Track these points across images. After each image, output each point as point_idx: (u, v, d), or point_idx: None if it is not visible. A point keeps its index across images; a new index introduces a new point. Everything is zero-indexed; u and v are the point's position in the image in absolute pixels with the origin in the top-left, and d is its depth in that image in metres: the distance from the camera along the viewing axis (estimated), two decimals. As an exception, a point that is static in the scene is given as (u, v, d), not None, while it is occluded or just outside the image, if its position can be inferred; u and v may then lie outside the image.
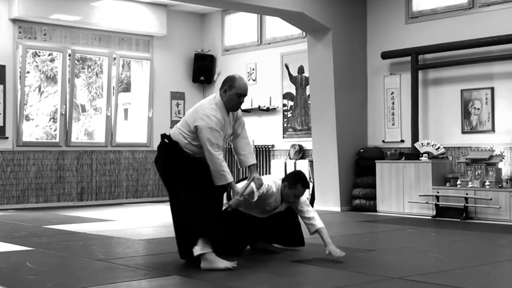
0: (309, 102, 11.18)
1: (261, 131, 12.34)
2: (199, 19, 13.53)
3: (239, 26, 12.83)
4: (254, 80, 12.52)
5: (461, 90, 9.69)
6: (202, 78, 13.18)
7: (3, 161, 11.13)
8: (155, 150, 12.75)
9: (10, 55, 11.19)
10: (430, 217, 9.28)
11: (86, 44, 12.05)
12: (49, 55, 15.85)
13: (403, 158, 9.87)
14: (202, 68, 13.15)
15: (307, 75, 11.41)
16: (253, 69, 12.53)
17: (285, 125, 11.97)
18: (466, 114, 9.63)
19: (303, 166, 11.32)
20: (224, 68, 13.10)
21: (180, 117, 13.08)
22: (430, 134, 10.00)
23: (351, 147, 10.57)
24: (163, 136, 5.45)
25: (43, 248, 6.45)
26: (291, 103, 11.87)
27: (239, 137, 5.40)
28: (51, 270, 5.26)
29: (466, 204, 8.96)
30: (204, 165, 5.17)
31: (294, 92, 11.82)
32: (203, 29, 13.53)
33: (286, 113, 11.95)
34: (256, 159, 12.21)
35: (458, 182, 9.24)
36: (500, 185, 8.88)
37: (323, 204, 10.54)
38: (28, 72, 14.17)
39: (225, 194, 5.39)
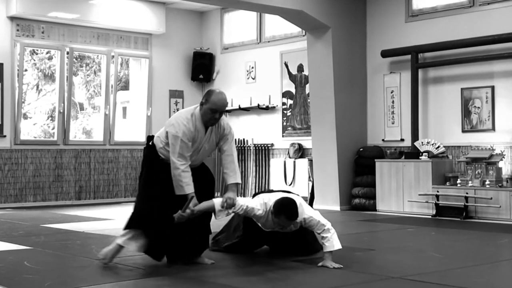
0: (309, 100, 11.15)
1: (260, 129, 12.32)
2: (198, 17, 13.49)
3: (238, 24, 12.80)
4: (253, 79, 12.49)
5: (461, 89, 9.67)
6: (201, 76, 13.15)
7: (1, 160, 11.09)
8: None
9: (7, 53, 11.15)
10: (430, 217, 9.26)
11: (84, 42, 12.01)
12: (47, 53, 15.80)
13: (403, 157, 9.86)
14: (201, 66, 13.12)
15: (306, 74, 11.38)
16: (253, 68, 12.50)
17: (284, 123, 11.94)
18: (466, 113, 9.61)
19: (302, 165, 11.30)
20: (223, 67, 13.07)
21: (179, 116, 13.04)
22: (430, 133, 9.97)
23: (350, 146, 10.55)
24: (148, 138, 5.51)
25: (41, 247, 6.44)
26: (290, 101, 11.84)
27: (224, 154, 5.31)
28: (49, 269, 5.24)
29: (466, 203, 8.94)
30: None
31: (293, 90, 11.79)
32: (202, 27, 13.49)
33: (285, 111, 11.92)
34: (256, 158, 12.32)
35: (458, 181, 9.22)
36: (500, 184, 8.86)
37: (322, 203, 10.51)
38: (26, 70, 14.11)
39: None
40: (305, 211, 5.27)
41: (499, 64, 9.31)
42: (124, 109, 16.62)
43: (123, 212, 10.21)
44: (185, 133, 5.11)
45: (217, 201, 5.12)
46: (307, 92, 11.45)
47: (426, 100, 10.08)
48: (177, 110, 13.07)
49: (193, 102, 13.26)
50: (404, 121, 10.29)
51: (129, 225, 5.24)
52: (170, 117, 12.94)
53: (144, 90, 12.84)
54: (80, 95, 17.46)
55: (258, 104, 12.21)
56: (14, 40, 11.24)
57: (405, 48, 10.13)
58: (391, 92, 10.50)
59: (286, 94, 11.92)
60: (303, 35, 11.28)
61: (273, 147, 12.15)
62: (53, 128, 13.34)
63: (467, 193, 8.96)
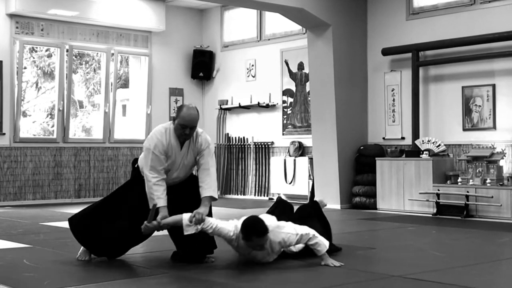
0: (309, 98, 11.12)
1: (260, 128, 12.30)
2: (198, 15, 13.46)
3: (238, 22, 12.78)
4: (253, 77, 12.47)
5: (462, 87, 9.65)
6: (201, 74, 13.12)
7: (0, 158, 11.07)
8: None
9: (7, 50, 11.13)
10: (430, 215, 9.24)
11: (84, 39, 11.98)
12: (46, 50, 15.78)
13: (404, 156, 9.83)
14: (201, 64, 13.09)
15: (307, 72, 11.36)
16: (253, 65, 12.48)
17: (284, 122, 11.91)
18: (467, 111, 9.58)
19: (302, 163, 11.28)
20: (223, 64, 13.05)
21: (179, 114, 13.01)
22: (431, 131, 9.95)
23: (351, 144, 10.52)
24: (134, 161, 5.56)
25: (40, 245, 6.43)
26: (290, 99, 11.81)
27: (200, 168, 5.24)
28: (48, 268, 5.22)
29: (467, 202, 8.92)
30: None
31: (294, 88, 11.77)
32: (202, 24, 13.46)
33: (285, 109, 11.90)
34: (256, 156, 12.29)
35: (459, 179, 9.19)
36: (501, 183, 8.84)
37: (322, 202, 10.47)
38: (25, 68, 14.09)
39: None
40: (282, 230, 5.11)
41: (500, 62, 9.28)
42: (124, 107, 16.61)
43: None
44: (157, 145, 5.13)
45: (186, 216, 5.02)
46: (307, 90, 11.43)
47: (426, 98, 10.05)
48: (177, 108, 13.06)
49: (193, 100, 13.27)
50: (405, 120, 10.27)
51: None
52: (170, 115, 13.04)
53: (144, 88, 12.81)
54: (79, 93, 17.45)
55: (258, 102, 12.19)
56: (14, 37, 11.21)
57: (406, 46, 10.10)
58: (392, 90, 10.47)
59: (286, 92, 11.90)
60: (304, 33, 11.25)
61: (273, 146, 12.13)
62: (52, 126, 13.33)
63: (468, 192, 8.93)
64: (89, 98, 17.55)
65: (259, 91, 12.31)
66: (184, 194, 5.31)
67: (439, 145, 9.57)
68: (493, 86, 9.33)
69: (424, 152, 9.57)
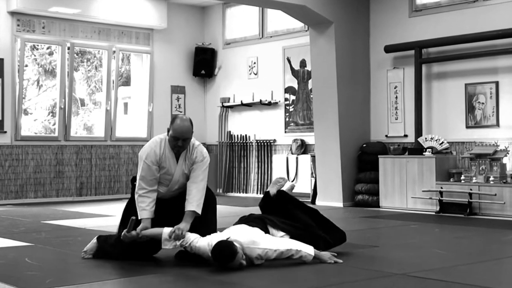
0: (311, 96, 11.09)
1: (262, 125, 12.28)
2: (199, 12, 13.43)
3: (240, 19, 12.75)
4: (255, 74, 12.44)
5: (465, 84, 9.62)
6: (203, 71, 13.10)
7: (1, 156, 11.05)
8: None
9: (8, 48, 11.10)
10: (433, 213, 9.22)
11: (85, 37, 11.96)
12: (47, 48, 15.76)
13: (407, 153, 9.81)
14: (203, 62, 13.07)
15: (309, 69, 11.32)
16: (255, 63, 12.45)
17: (287, 119, 11.88)
18: (470, 108, 9.56)
19: (305, 161, 11.25)
20: (225, 62, 13.03)
21: (181, 111, 13.03)
22: (434, 129, 9.92)
23: (353, 142, 10.49)
24: (133, 179, 5.50)
25: (42, 243, 6.41)
26: (293, 97, 11.78)
27: (189, 181, 5.20)
28: (50, 266, 5.21)
29: (470, 200, 8.89)
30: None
31: (296, 86, 11.74)
32: (203, 22, 13.43)
33: (288, 107, 11.87)
34: (258, 154, 12.27)
35: (462, 177, 9.17)
36: (504, 181, 8.80)
37: (325, 200, 10.47)
38: (26, 66, 14.06)
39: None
40: (259, 246, 4.97)
41: (504, 60, 9.25)
42: (126, 104, 16.58)
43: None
44: (149, 155, 5.11)
45: (166, 230, 4.99)
46: (309, 87, 11.40)
47: (429, 95, 10.02)
48: (179, 106, 13.08)
49: (194, 97, 13.26)
50: (408, 117, 10.24)
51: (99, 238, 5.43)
52: (171, 113, 13.04)
53: (145, 85, 12.79)
54: (81, 90, 17.42)
55: (260, 100, 12.16)
56: (15, 35, 11.19)
57: (408, 43, 10.07)
58: (395, 88, 10.44)
59: (288, 90, 11.87)
60: (306, 30, 11.22)
61: (275, 143, 12.10)
62: (54, 124, 13.31)
63: (471, 189, 8.90)
64: (90, 96, 17.52)
65: (261, 88, 12.28)
66: (179, 207, 5.21)
67: (442, 142, 9.55)
68: (496, 83, 9.29)
69: (427, 149, 9.54)
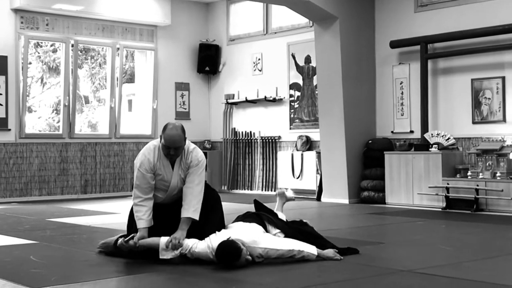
0: (316, 92, 11.05)
1: (267, 122, 12.25)
2: (204, 8, 13.39)
3: (244, 15, 12.71)
4: (260, 71, 12.40)
5: (472, 80, 9.58)
6: (207, 68, 13.06)
7: (6, 154, 11.03)
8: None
9: (12, 45, 11.08)
10: (440, 209, 9.18)
11: (89, 34, 11.93)
12: (51, 45, 15.78)
13: (413, 149, 9.78)
14: (207, 58, 13.03)
15: (314, 65, 11.28)
16: (259, 59, 12.41)
17: (292, 116, 11.84)
18: (476, 104, 9.51)
19: (310, 157, 11.21)
20: (230, 58, 12.99)
21: (185, 108, 13.01)
22: (440, 125, 9.88)
23: (359, 138, 10.45)
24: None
25: (46, 241, 6.41)
26: (298, 93, 11.74)
27: (184, 186, 5.15)
28: (55, 264, 5.21)
29: (477, 196, 8.85)
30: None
31: (301, 82, 11.70)
32: (208, 18, 13.40)
33: (293, 103, 11.83)
34: (263, 151, 12.23)
35: (469, 173, 9.14)
36: (511, 176, 8.76)
37: (330, 196, 10.44)
38: (30, 63, 14.07)
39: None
40: (260, 246, 4.95)
41: (510, 54, 9.20)
42: (130, 102, 16.57)
43: (129, 206, 10.14)
44: (143, 163, 5.08)
45: (163, 240, 4.96)
46: (314, 83, 11.35)
47: (435, 91, 9.97)
48: (183, 103, 13.05)
49: (199, 94, 13.23)
50: (414, 113, 10.19)
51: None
52: (176, 110, 13.03)
53: (149, 82, 12.76)
54: (85, 88, 17.44)
55: (265, 96, 12.12)
56: (18, 32, 11.16)
57: (414, 39, 10.02)
58: (400, 83, 10.39)
59: (293, 86, 11.83)
60: (311, 26, 11.18)
61: (280, 140, 12.06)
62: (58, 122, 13.31)
63: (477, 185, 8.86)
64: (94, 93, 17.55)
65: (266, 85, 12.24)
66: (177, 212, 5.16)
67: (449, 138, 9.51)
68: (503, 78, 9.24)
69: (433, 145, 9.51)
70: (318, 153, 10.92)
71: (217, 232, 5.08)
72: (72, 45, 11.75)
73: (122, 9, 11.98)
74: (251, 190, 12.49)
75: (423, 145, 9.66)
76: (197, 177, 5.12)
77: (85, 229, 7.38)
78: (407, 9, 10.30)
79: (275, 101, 12.07)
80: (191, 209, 5.04)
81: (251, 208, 6.09)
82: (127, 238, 4.99)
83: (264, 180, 12.24)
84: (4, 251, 5.82)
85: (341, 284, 4.40)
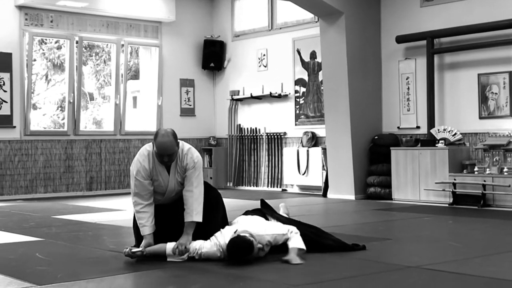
0: (322, 88, 11.01)
1: (272, 118, 12.21)
2: (208, 4, 13.35)
3: (249, 11, 12.67)
4: (265, 66, 12.37)
5: (478, 75, 9.53)
6: (212, 64, 13.03)
7: (11, 151, 11.02)
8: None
9: (16, 42, 11.06)
10: (447, 205, 9.15)
11: (93, 30, 11.91)
12: (56, 42, 15.77)
13: (419, 145, 9.73)
14: (212, 54, 13.00)
15: (319, 61, 11.24)
16: (264, 55, 12.37)
17: (297, 112, 11.80)
18: (483, 99, 9.46)
19: (316, 154, 11.18)
20: (234, 54, 12.96)
21: (190, 105, 12.98)
22: (447, 120, 9.83)
23: (365, 134, 10.41)
24: None
25: (52, 238, 6.41)
26: (303, 89, 11.70)
27: (184, 189, 5.11)
28: (60, 261, 5.20)
29: (484, 191, 8.82)
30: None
31: (306, 78, 11.66)
32: (212, 14, 13.36)
33: (298, 99, 11.79)
34: (268, 147, 12.19)
35: (476, 168, 9.09)
36: (518, 172, 8.72)
37: (337, 193, 10.40)
38: (34, 60, 14.05)
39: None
40: (267, 232, 5.00)
41: (517, 49, 9.16)
42: (135, 98, 16.57)
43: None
44: (139, 171, 5.04)
45: (169, 246, 4.98)
46: (320, 79, 11.31)
47: (442, 86, 9.92)
48: (188, 99, 13.02)
49: (204, 90, 13.20)
50: (420, 108, 10.15)
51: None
52: (180, 106, 12.99)
53: (154, 79, 12.74)
54: (90, 85, 17.43)
55: (270, 92, 12.09)
56: (23, 29, 11.14)
57: (420, 34, 9.97)
58: (407, 79, 10.35)
59: (298, 82, 11.79)
60: (316, 21, 11.14)
61: (285, 136, 12.02)
62: (63, 119, 13.30)
63: (484, 181, 8.82)
64: (99, 90, 17.54)
65: (271, 81, 12.20)
66: (178, 212, 5.15)
67: (455, 133, 9.46)
68: (510, 73, 9.20)
69: (440, 141, 9.46)
70: (324, 149, 10.89)
71: (221, 230, 5.09)
72: (77, 42, 11.73)
73: (126, 6, 11.95)
74: (256, 186, 12.46)
75: (429, 141, 9.61)
76: (195, 179, 5.08)
77: (90, 226, 7.37)
78: (413, 3, 10.25)
79: (280, 97, 12.03)
80: (194, 212, 5.02)
81: (256, 204, 6.08)
82: (134, 250, 4.97)
83: (269, 177, 12.21)
84: (10, 248, 5.82)
85: (348, 280, 4.39)
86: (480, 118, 9.49)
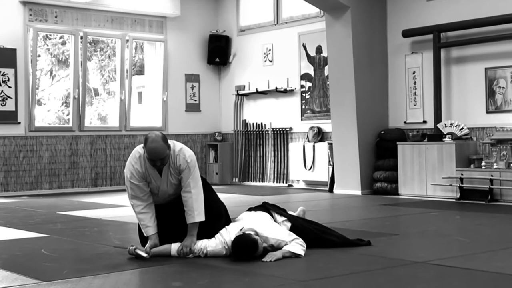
0: (328, 83, 10.96)
1: (278, 113, 12.18)
2: (213, -1, 13.33)
3: (254, 6, 12.63)
4: (270, 61, 12.32)
5: (485, 69, 9.48)
6: (217, 59, 12.99)
7: (16, 147, 11.00)
8: (170, 134, 12.64)
9: (20, 38, 11.04)
10: (454, 200, 9.11)
11: (98, 26, 11.88)
12: (60, 38, 15.75)
13: (426, 140, 9.70)
14: (217, 49, 12.96)
15: (325, 55, 11.20)
16: (270, 50, 12.32)
17: (303, 107, 11.76)
18: (490, 93, 9.42)
19: (322, 149, 11.14)
20: (240, 49, 12.92)
21: (195, 100, 12.94)
22: (454, 115, 9.79)
23: (371, 129, 10.37)
24: None
25: (57, 234, 6.41)
26: (309, 84, 11.66)
27: (182, 191, 5.06)
28: (66, 257, 5.20)
29: (491, 186, 8.78)
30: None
31: (312, 73, 11.61)
32: (217, 9, 13.31)
33: (304, 94, 11.75)
34: (274, 143, 12.15)
35: (483, 163, 9.07)
36: (526, 166, 8.68)
37: (343, 188, 10.36)
38: (39, 56, 14.02)
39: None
40: (273, 236, 4.94)
41: (525, 43, 9.11)
42: (140, 94, 16.54)
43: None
44: (133, 174, 5.02)
45: (174, 247, 4.98)
46: (326, 74, 11.27)
47: (449, 80, 9.87)
48: (193, 94, 12.99)
49: (209, 86, 13.16)
50: (427, 103, 10.10)
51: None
52: (186, 102, 12.95)
53: (159, 74, 12.71)
54: (94, 80, 17.42)
55: (276, 87, 12.05)
56: (27, 25, 11.12)
57: (427, 28, 9.92)
58: (413, 73, 10.30)
59: (304, 77, 11.74)
60: (322, 16, 11.10)
61: (291, 131, 11.99)
62: (68, 115, 13.29)
63: (492, 176, 8.78)
64: (104, 85, 17.53)
65: (277, 76, 12.16)
66: (178, 211, 5.12)
67: (462, 128, 9.42)
68: (517, 67, 9.17)
69: (447, 135, 9.43)
70: (330, 144, 10.85)
71: (226, 227, 5.08)
72: (81, 37, 11.71)
73: (131, 1, 11.92)
74: (262, 182, 12.42)
75: (436, 135, 9.57)
76: (191, 180, 5.03)
77: (96, 222, 7.37)
78: (420, -3, 10.22)
79: (286, 92, 11.98)
80: (195, 213, 4.98)
81: (261, 200, 6.04)
82: (140, 253, 4.93)
83: (275, 172, 12.17)
84: (15, 244, 5.82)
85: (355, 276, 4.38)
86: (487, 112, 9.45)
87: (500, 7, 9.24)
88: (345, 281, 4.24)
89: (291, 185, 11.85)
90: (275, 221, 5.28)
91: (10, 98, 10.88)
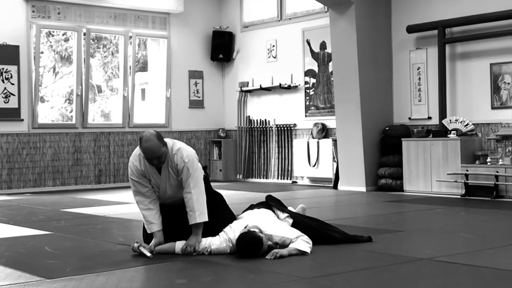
0: (332, 79, 10.93)
1: (282, 109, 12.15)
2: (216, -5, 13.29)
3: (258, 1, 12.61)
4: (274, 57, 12.29)
5: (490, 64, 9.45)
6: (220, 56, 12.96)
7: (19, 144, 10.99)
8: (174, 131, 12.62)
9: (23, 35, 11.01)
10: (459, 196, 9.09)
11: (101, 22, 11.85)
12: (63, 34, 15.76)
13: (431, 136, 9.68)
14: (221, 46, 12.93)
15: (329, 51, 11.16)
16: (274, 46, 12.29)
17: (307, 103, 11.73)
18: (495, 89, 9.38)
19: (326, 145, 11.11)
20: (243, 45, 12.89)
21: (199, 97, 12.91)
22: (458, 110, 9.75)
23: (376, 125, 10.34)
24: None
25: (61, 232, 6.40)
26: (313, 80, 11.62)
27: (183, 192, 5.02)
28: (70, 254, 5.18)
29: (497, 182, 8.76)
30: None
31: (316, 69, 11.57)
32: (221, 5, 13.28)
33: (308, 90, 11.72)
34: (278, 139, 12.12)
35: (488, 159, 9.04)
36: (532, 162, 8.64)
37: (347, 184, 10.34)
38: (42, 53, 14.02)
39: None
40: (277, 234, 4.94)
41: (530, 38, 9.06)
42: (143, 90, 16.56)
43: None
44: (133, 172, 5.06)
45: (178, 245, 4.98)
46: (330, 70, 11.23)
47: (453, 76, 9.83)
48: (197, 91, 12.97)
49: (213, 82, 13.13)
50: (431, 99, 10.06)
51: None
52: (189, 98, 12.92)
53: (163, 71, 12.68)
54: (97, 77, 17.42)
55: (280, 84, 12.02)
56: (30, 21, 11.10)
57: (431, 23, 9.88)
58: (418, 69, 10.26)
59: (308, 73, 11.71)
60: (326, 11, 11.06)
61: (295, 128, 11.96)
62: (71, 111, 13.29)
63: (497, 172, 8.75)
64: (107, 82, 17.53)
65: (281, 72, 12.13)
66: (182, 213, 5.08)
67: (467, 124, 9.39)
68: (523, 62, 9.14)
69: (452, 131, 9.40)
70: (334, 141, 10.82)
71: (230, 224, 5.07)
72: (84, 34, 11.69)
73: (134, -3, 11.90)
74: (266, 178, 12.39)
75: (441, 131, 9.55)
76: (191, 179, 4.98)
77: (99, 219, 7.36)
78: (424, -8, 10.17)
79: (290, 88, 11.95)
80: (197, 213, 4.95)
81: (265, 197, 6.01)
82: (144, 252, 4.91)
83: (279, 169, 12.14)
84: (19, 241, 5.82)
85: (360, 273, 4.37)
86: (493, 108, 9.42)
87: (505, 3, 9.19)
88: (350, 278, 4.22)
89: (295, 182, 11.82)
90: (278, 218, 5.27)
91: (13, 95, 10.86)
